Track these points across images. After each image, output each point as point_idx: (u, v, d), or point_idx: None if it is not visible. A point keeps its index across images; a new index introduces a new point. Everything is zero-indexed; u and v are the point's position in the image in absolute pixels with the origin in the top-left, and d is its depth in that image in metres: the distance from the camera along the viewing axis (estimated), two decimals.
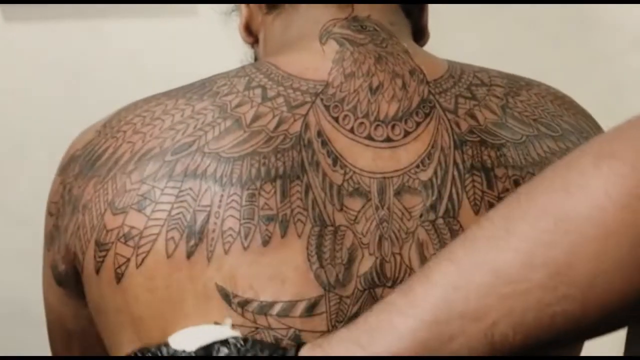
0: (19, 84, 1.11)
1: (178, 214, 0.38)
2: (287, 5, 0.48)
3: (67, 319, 0.48)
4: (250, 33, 0.53)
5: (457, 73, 0.45)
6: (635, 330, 0.98)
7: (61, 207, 0.43)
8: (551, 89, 0.49)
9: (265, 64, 0.45)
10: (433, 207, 0.39)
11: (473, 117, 0.43)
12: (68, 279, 0.43)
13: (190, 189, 0.38)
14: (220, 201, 0.38)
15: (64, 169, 0.44)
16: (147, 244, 0.38)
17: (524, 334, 0.29)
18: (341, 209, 0.39)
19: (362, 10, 0.46)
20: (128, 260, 0.38)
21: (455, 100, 0.43)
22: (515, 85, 0.47)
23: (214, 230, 0.38)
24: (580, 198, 0.28)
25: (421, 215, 0.39)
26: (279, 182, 0.38)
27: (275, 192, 0.38)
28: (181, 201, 0.38)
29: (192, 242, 0.38)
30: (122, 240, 0.39)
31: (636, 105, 0.90)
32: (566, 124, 0.46)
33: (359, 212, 0.39)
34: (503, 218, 0.30)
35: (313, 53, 0.44)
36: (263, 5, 0.50)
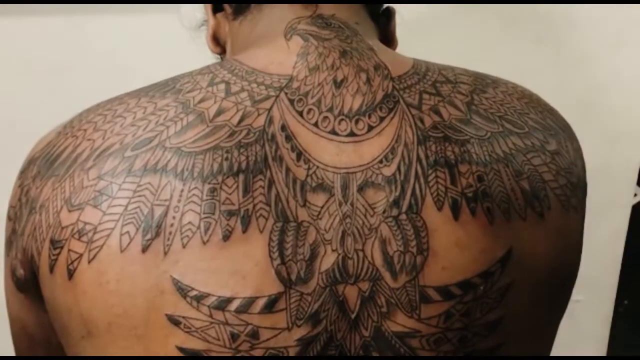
0: None
1: (135, 208, 0.37)
2: (252, 8, 0.48)
3: (30, 326, 0.47)
4: (218, 43, 0.53)
5: (422, 70, 0.45)
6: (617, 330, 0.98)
7: (18, 210, 0.42)
8: (518, 87, 0.49)
9: (229, 61, 0.44)
10: (396, 203, 0.39)
11: (437, 113, 0.42)
12: (27, 283, 0.42)
13: (150, 183, 0.38)
14: (181, 195, 0.37)
15: (22, 172, 0.44)
16: (101, 239, 0.37)
17: None
18: (304, 205, 0.38)
19: (327, 9, 0.46)
20: (80, 255, 0.38)
21: (419, 96, 0.43)
22: (481, 82, 0.46)
23: (172, 225, 0.37)
24: None
25: (384, 211, 0.39)
26: (241, 177, 0.38)
27: (237, 186, 0.38)
28: (139, 196, 0.38)
29: (148, 236, 0.37)
30: (76, 236, 0.38)
31: (617, 105, 0.91)
32: (532, 122, 0.46)
33: (322, 207, 0.38)
34: None
35: (277, 48, 0.44)
36: (229, 12, 0.51)
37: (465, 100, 0.44)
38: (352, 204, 0.39)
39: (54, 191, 0.40)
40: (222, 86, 0.42)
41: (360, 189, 0.39)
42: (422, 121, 0.41)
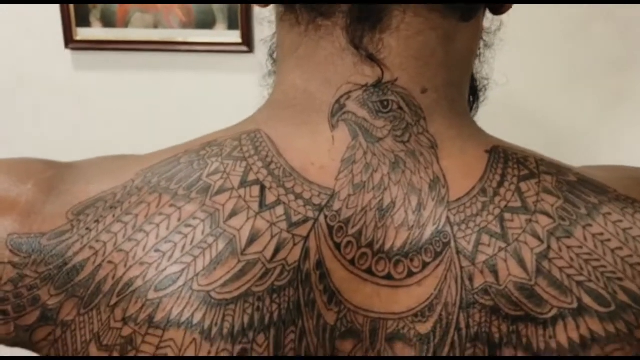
0: (86, 130, 1.16)
1: None
2: (302, 20, 0.38)
3: None
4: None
5: (493, 185, 0.37)
6: None
7: (15, 298, 0.38)
8: (622, 224, 0.37)
9: (265, 144, 0.39)
10: None
11: (493, 271, 0.35)
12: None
13: (173, 340, 0.35)
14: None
15: (17, 251, 0.38)
16: None
17: None
18: (332, 352, 0.36)
19: (391, 67, 0.37)
20: None
21: (476, 239, 0.36)
22: (572, 216, 0.36)
23: None
24: None
25: None
26: (272, 332, 0.35)
27: (268, 344, 0.35)
28: (162, 351, 0.35)
29: None
30: None
31: None
32: (625, 294, 0.35)
33: (349, 353, 0.36)
34: None
35: (321, 140, 0.38)
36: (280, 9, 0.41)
37: (538, 249, 0.35)
38: (379, 352, 0.36)
39: (79, 316, 0.36)
40: (256, 191, 0.37)
41: (390, 340, 0.36)
42: (471, 279, 0.36)
